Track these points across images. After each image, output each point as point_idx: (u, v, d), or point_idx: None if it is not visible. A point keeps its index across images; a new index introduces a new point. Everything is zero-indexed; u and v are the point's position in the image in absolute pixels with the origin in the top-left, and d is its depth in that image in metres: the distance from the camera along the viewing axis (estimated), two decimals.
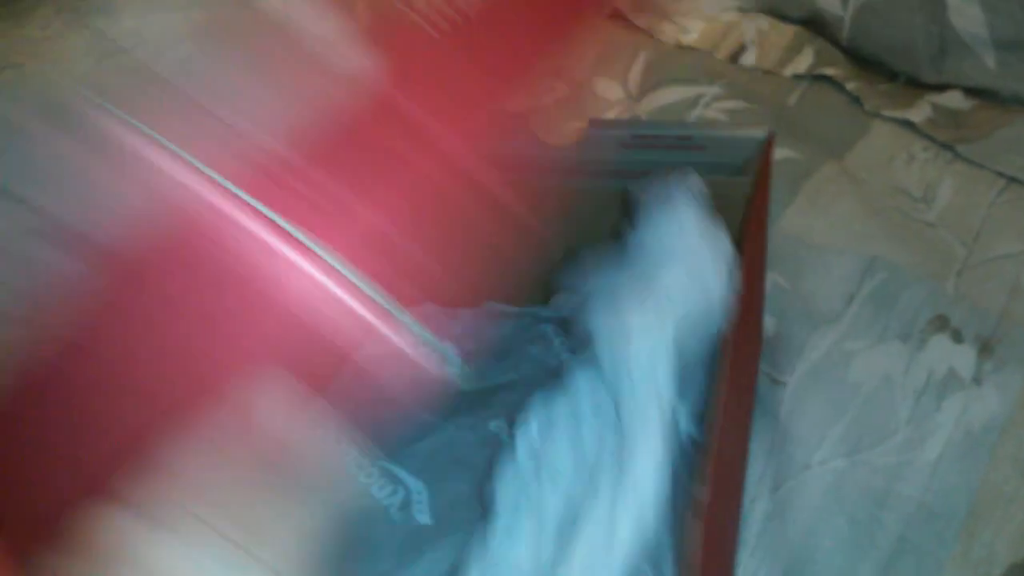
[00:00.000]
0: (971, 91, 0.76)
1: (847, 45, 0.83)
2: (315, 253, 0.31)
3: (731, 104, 0.78)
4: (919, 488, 0.47)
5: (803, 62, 0.83)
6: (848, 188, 0.67)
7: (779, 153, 0.71)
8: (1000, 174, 0.68)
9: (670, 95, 0.81)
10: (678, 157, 0.51)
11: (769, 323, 0.57)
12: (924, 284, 0.58)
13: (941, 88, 0.77)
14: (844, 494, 0.47)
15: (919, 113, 0.73)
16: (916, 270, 0.59)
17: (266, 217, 0.30)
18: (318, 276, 0.31)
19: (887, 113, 0.74)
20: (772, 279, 0.59)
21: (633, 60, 0.85)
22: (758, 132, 0.50)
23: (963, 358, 0.52)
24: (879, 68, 0.82)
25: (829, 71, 0.80)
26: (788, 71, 0.83)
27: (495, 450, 0.45)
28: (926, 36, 0.76)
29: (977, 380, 0.51)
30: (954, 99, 0.76)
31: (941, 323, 0.55)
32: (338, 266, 0.31)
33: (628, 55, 0.86)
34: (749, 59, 0.85)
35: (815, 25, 0.85)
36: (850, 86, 0.78)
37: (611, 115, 0.82)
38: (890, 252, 0.61)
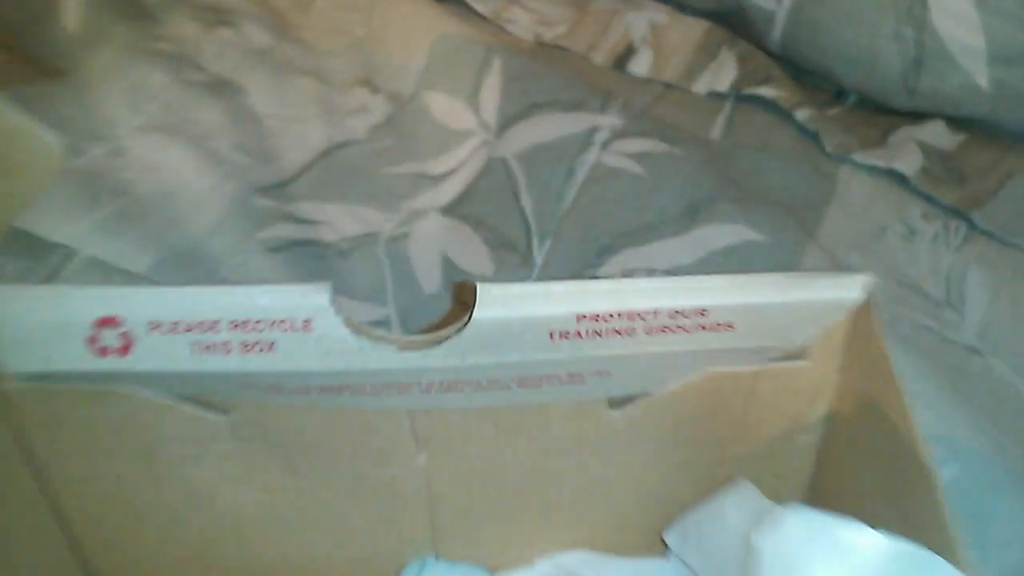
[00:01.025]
0: (955, 121, 0.55)
1: (778, 50, 0.59)
2: None
3: (640, 144, 0.52)
4: None
5: (723, 74, 0.57)
6: None
7: (726, 231, 0.46)
8: None
9: (547, 127, 0.54)
10: (675, 344, 0.24)
11: None
12: (1018, 485, 0.35)
13: (915, 117, 0.55)
14: None
15: (909, 162, 0.50)
16: (997, 454, 0.36)
17: None
18: None
19: (861, 159, 0.51)
20: None
21: (484, 68, 0.57)
22: (841, 293, 0.24)
23: None
24: (821, 82, 0.59)
25: (766, 92, 0.55)
26: (700, 86, 0.58)
27: None
28: (896, 42, 0.53)
29: None
30: (937, 133, 0.54)
31: None
32: None
33: (475, 59, 0.58)
34: (641, 66, 0.59)
35: (733, 20, 0.60)
36: (801, 115, 0.54)
37: (460, 153, 0.54)
38: (945, 420, 0.37)
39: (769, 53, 0.58)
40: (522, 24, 0.63)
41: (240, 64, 0.60)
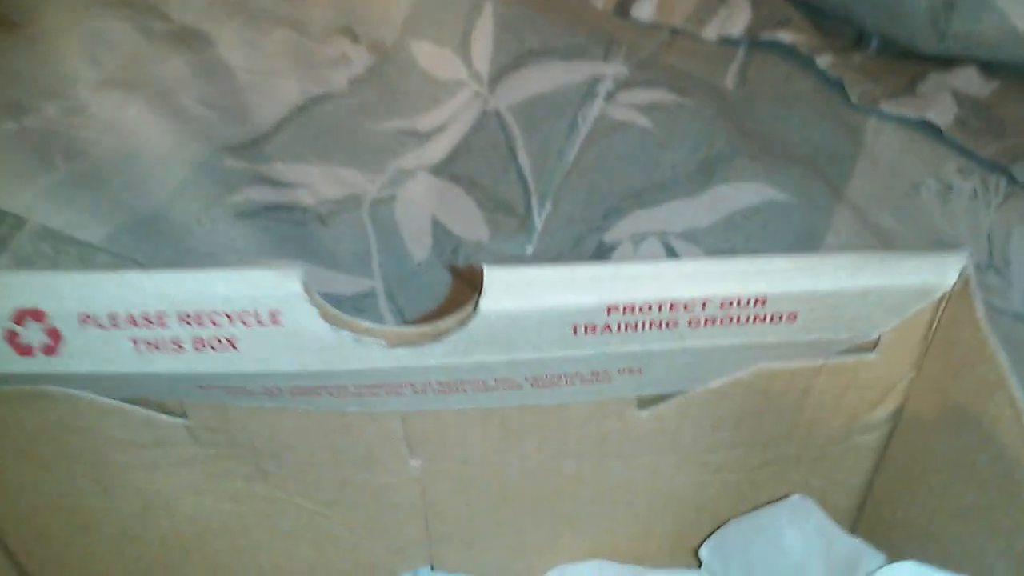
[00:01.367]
0: (988, 67, 0.50)
1: None
2: None
3: (648, 95, 0.47)
4: None
5: (736, 18, 0.53)
6: None
7: (746, 190, 0.42)
8: None
9: (545, 77, 0.49)
10: (723, 338, 0.20)
11: None
12: None
13: (944, 62, 0.50)
14: None
15: (942, 109, 0.45)
16: None
17: None
18: None
19: (890, 109, 0.46)
20: None
21: (474, 12, 0.52)
22: (926, 272, 0.19)
23: None
24: (840, 26, 0.54)
25: (784, 36, 0.50)
26: (710, 31, 0.53)
27: None
28: None
29: None
30: (968, 80, 0.49)
31: None
32: None
33: (464, 3, 0.53)
34: (645, 10, 0.54)
35: None
36: (822, 62, 0.49)
37: (451, 106, 0.49)
38: None
39: None
40: None
41: (209, 13, 0.55)
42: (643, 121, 0.44)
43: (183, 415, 0.22)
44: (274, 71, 0.51)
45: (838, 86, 0.48)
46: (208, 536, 0.26)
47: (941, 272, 0.19)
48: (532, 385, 0.21)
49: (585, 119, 0.45)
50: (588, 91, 0.46)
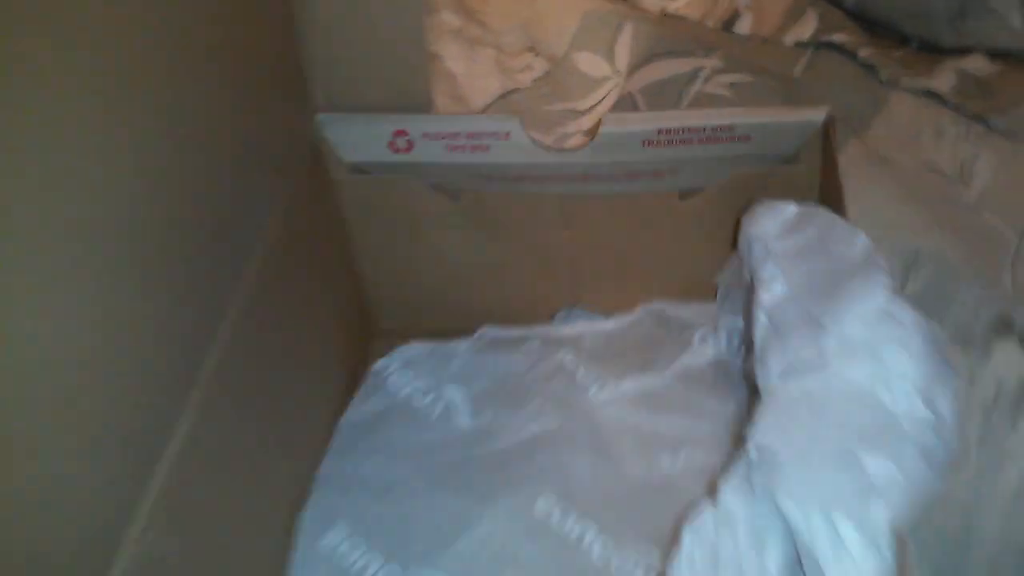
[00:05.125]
0: (995, 54, 0.70)
1: (853, 8, 0.76)
2: None
3: (733, 77, 0.70)
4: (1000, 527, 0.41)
5: (806, 28, 0.75)
6: (876, 170, 0.61)
7: None
8: None
9: (663, 69, 0.73)
10: (716, 151, 0.43)
11: None
12: (977, 279, 0.52)
13: (961, 52, 0.71)
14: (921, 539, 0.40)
15: (943, 82, 0.66)
16: (965, 262, 0.53)
17: None
18: None
19: (907, 83, 0.68)
20: None
21: (618, 31, 0.77)
22: (813, 116, 0.42)
23: None
24: (888, 33, 0.75)
25: (837, 37, 0.73)
26: (789, 38, 0.76)
27: (550, 543, 0.37)
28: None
29: None
30: (977, 63, 0.70)
31: (1004, 325, 0.49)
32: None
33: (611, 26, 0.78)
34: (744, 26, 0.78)
35: None
36: (862, 53, 0.71)
37: (599, 93, 0.74)
38: (933, 243, 0.54)
39: (846, 11, 0.76)
40: (651, 1, 0.82)
41: (439, 40, 0.83)
42: (725, 92, 0.68)
43: (457, 199, 0.48)
44: (482, 75, 0.78)
45: (874, 71, 0.69)
46: (462, 275, 0.51)
47: (812, 114, 0.42)
48: (627, 179, 0.45)
49: (688, 94, 0.69)
50: (691, 76, 0.70)
